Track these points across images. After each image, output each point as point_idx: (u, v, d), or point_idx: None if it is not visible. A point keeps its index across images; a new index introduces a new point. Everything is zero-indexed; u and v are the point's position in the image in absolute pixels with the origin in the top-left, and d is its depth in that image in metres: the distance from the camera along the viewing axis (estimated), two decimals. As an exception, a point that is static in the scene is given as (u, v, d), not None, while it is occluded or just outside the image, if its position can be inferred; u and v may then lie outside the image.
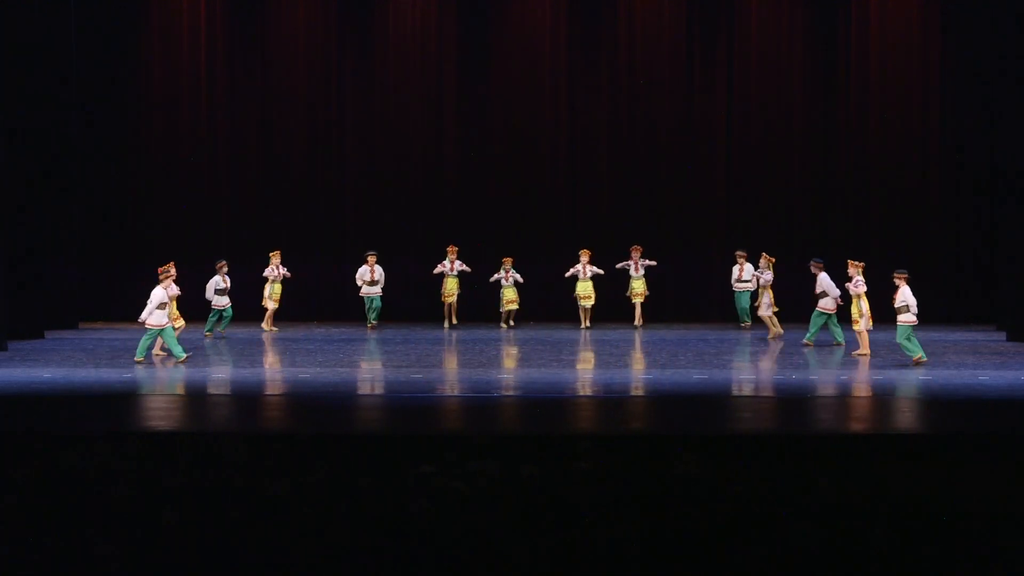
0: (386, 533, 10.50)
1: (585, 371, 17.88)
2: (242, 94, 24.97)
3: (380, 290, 22.96)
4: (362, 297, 22.96)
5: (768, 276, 21.36)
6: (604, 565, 10.43)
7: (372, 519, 10.53)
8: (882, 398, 14.93)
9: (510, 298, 23.00)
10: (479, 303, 23.92)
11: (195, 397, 15.20)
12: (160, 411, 13.89)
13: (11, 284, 20.37)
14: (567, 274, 23.15)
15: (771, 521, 10.45)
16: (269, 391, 16.12)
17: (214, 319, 21.63)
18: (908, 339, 17.81)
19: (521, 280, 23.07)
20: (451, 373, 17.66)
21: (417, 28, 24.94)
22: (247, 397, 15.35)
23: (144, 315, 18.12)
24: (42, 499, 10.70)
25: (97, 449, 10.96)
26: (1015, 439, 11.25)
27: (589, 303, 22.91)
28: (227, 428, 12.62)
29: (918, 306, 17.99)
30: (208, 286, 21.65)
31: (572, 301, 23.11)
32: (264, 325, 22.49)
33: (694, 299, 24.75)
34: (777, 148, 24.69)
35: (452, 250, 23.21)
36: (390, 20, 24.94)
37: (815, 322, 20.17)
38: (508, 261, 23.06)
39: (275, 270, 22.52)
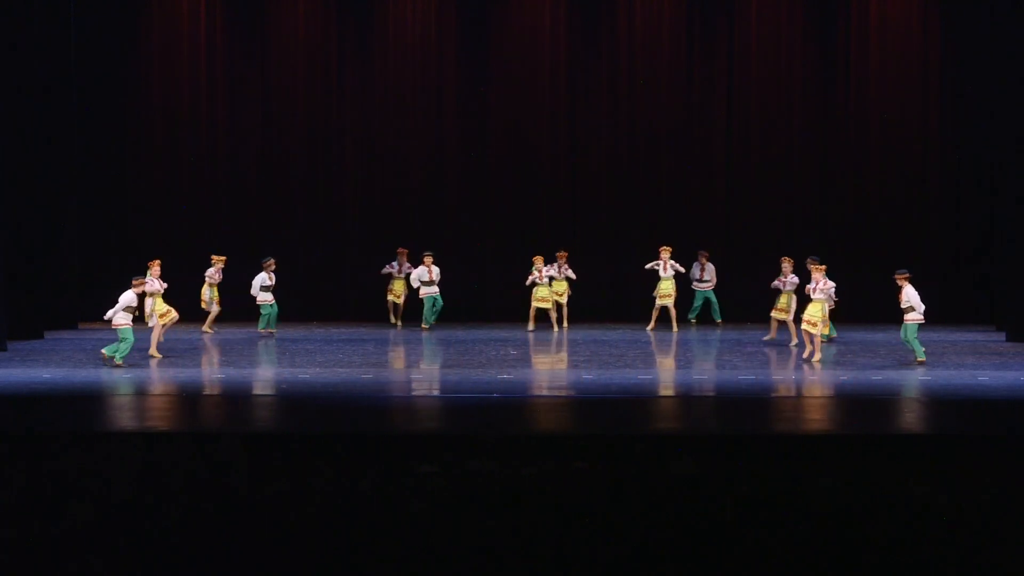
0: (386, 533, 10.50)
1: (585, 371, 17.87)
2: (242, 94, 24.97)
3: (437, 288, 22.86)
4: (422, 299, 22.81)
5: (794, 280, 20.52)
6: (604, 565, 10.42)
7: (372, 519, 10.53)
8: (882, 398, 14.92)
9: (542, 296, 22.81)
10: (481, 303, 23.94)
11: (195, 397, 15.20)
12: (160, 411, 13.88)
13: (11, 284, 20.35)
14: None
15: (771, 521, 10.44)
16: (269, 391, 16.12)
17: (266, 316, 21.83)
18: (916, 338, 17.88)
19: (558, 277, 22.84)
20: (451, 373, 17.65)
21: (417, 28, 24.94)
22: (247, 397, 15.35)
23: (109, 314, 17.97)
24: (42, 499, 10.70)
25: (97, 449, 10.95)
26: (1015, 439, 11.24)
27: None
28: (227, 428, 12.62)
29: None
30: (254, 282, 21.80)
31: (571, 302, 23.10)
32: (207, 327, 22.22)
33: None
34: (777, 148, 24.70)
35: (402, 252, 23.12)
36: (390, 20, 24.94)
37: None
38: (540, 260, 22.79)
39: (217, 274, 22.17)
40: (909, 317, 17.92)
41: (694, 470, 10.70)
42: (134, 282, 18.28)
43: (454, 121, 25.00)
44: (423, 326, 22.69)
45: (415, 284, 22.86)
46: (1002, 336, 21.32)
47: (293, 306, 23.53)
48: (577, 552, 10.44)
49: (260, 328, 21.80)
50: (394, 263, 23.19)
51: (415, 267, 22.97)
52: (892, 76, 24.43)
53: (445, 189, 25.03)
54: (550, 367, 18.41)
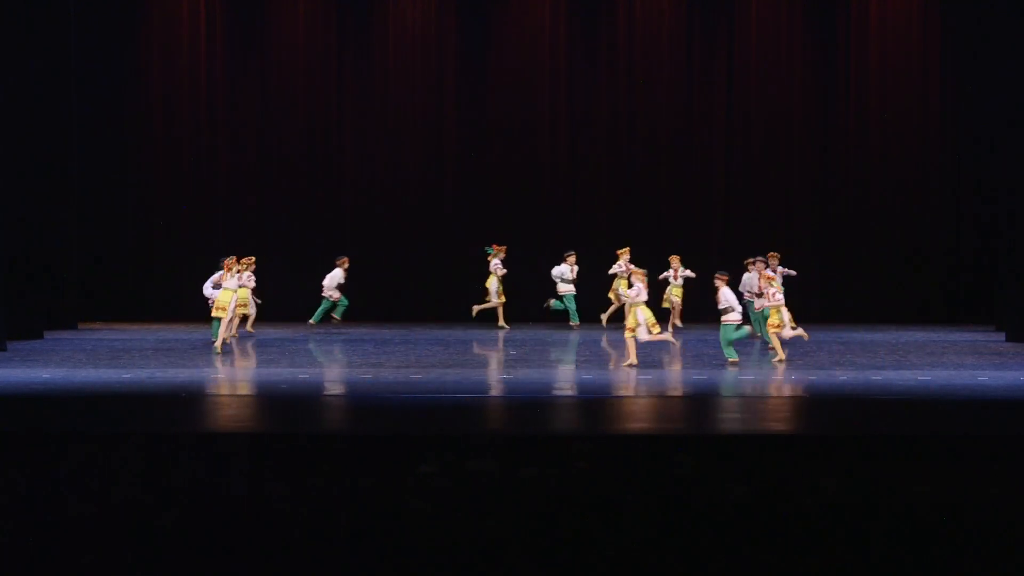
0: (386, 533, 10.50)
1: (584, 371, 17.88)
2: (242, 95, 24.98)
3: (573, 287, 22.91)
4: (562, 296, 22.90)
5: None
6: (604, 565, 10.42)
7: (372, 519, 10.53)
8: (881, 399, 14.91)
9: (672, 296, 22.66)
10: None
11: (195, 397, 15.19)
12: (160, 411, 13.88)
13: (11, 284, 20.35)
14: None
15: (771, 521, 10.44)
16: (269, 391, 16.11)
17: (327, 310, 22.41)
18: (730, 342, 17.70)
19: (693, 275, 22.52)
20: (451, 373, 17.64)
21: (417, 28, 24.95)
22: (247, 397, 15.35)
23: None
24: (42, 499, 10.70)
25: (97, 449, 10.95)
26: (1015, 440, 11.24)
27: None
28: (227, 428, 12.62)
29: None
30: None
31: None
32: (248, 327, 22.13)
33: (693, 299, 24.72)
34: (776, 148, 24.73)
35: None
36: (390, 20, 24.95)
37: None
38: (676, 259, 22.60)
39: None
40: (726, 318, 17.73)
41: (694, 470, 10.70)
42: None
43: (454, 121, 25.01)
44: (572, 324, 22.75)
45: (555, 279, 22.90)
46: (1002, 336, 21.32)
47: (292, 306, 23.51)
48: (577, 552, 10.44)
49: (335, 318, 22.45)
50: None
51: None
52: (892, 76, 24.45)
53: (444, 188, 25.04)
54: (550, 367, 18.40)
